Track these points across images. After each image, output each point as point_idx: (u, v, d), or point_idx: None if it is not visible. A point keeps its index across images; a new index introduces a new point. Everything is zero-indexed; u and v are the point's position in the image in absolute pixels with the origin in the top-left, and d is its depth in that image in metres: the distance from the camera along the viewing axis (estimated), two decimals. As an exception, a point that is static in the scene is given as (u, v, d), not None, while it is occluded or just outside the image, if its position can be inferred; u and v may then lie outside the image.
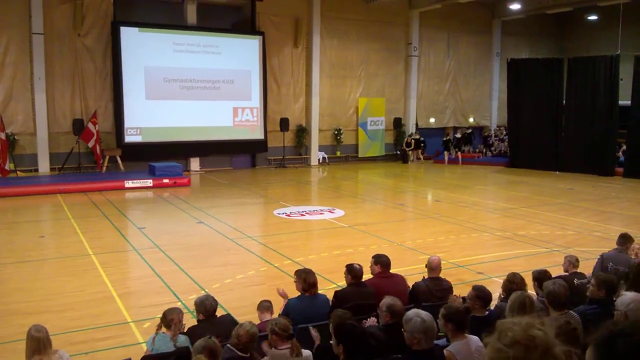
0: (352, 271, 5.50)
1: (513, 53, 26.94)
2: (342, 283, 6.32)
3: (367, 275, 5.85)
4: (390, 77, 26.04)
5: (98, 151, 19.07)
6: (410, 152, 25.36)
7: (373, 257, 5.92)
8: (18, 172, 18.24)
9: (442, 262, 6.15)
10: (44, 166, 19.00)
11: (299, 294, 5.26)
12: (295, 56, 23.63)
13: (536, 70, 22.77)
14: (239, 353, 3.86)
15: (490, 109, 29.12)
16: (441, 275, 5.92)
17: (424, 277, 5.90)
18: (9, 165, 17.62)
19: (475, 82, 28.50)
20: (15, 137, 18.55)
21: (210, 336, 3.78)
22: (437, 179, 20.50)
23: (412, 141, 25.15)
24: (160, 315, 4.78)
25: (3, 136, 17.25)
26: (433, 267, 5.85)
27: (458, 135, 25.68)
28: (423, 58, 26.69)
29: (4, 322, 6.39)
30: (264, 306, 5.25)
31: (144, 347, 5.40)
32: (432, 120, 27.19)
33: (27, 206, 14.40)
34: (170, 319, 4.59)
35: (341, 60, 24.68)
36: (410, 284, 5.89)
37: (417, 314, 3.65)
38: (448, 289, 5.73)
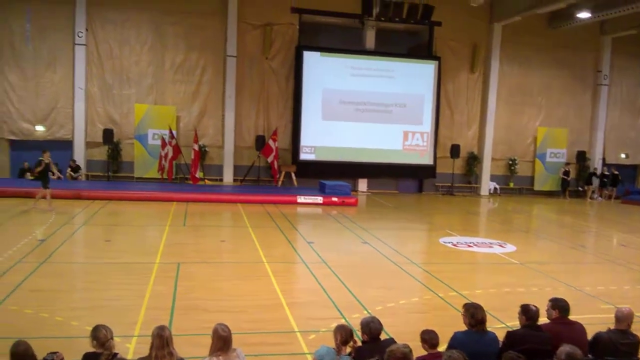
0: (528, 312, 5.16)
1: None
2: (512, 324, 5.99)
3: (541, 319, 5.45)
4: (574, 106, 24.29)
5: (276, 166, 20.44)
6: (588, 188, 23.70)
7: (551, 300, 5.50)
8: (206, 181, 20.24)
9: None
10: (228, 176, 20.84)
11: (466, 328, 5.07)
12: (471, 82, 23.12)
13: None
14: None
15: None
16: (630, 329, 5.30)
17: (608, 327, 5.34)
18: (199, 174, 19.69)
19: (677, 116, 25.40)
20: (206, 148, 20.60)
21: (377, 358, 3.81)
22: (623, 220, 18.49)
23: (570, 171, 23.71)
24: (325, 330, 4.91)
25: (196, 147, 19.31)
26: (621, 319, 5.27)
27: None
28: (614, 87, 24.50)
29: (189, 317, 7.04)
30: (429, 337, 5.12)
31: (309, 358, 5.60)
32: (622, 155, 24.76)
33: (212, 212, 15.87)
34: (347, 334, 4.71)
35: (520, 86, 23.62)
36: (589, 334, 5.36)
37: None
38: (636, 343, 5.12)
